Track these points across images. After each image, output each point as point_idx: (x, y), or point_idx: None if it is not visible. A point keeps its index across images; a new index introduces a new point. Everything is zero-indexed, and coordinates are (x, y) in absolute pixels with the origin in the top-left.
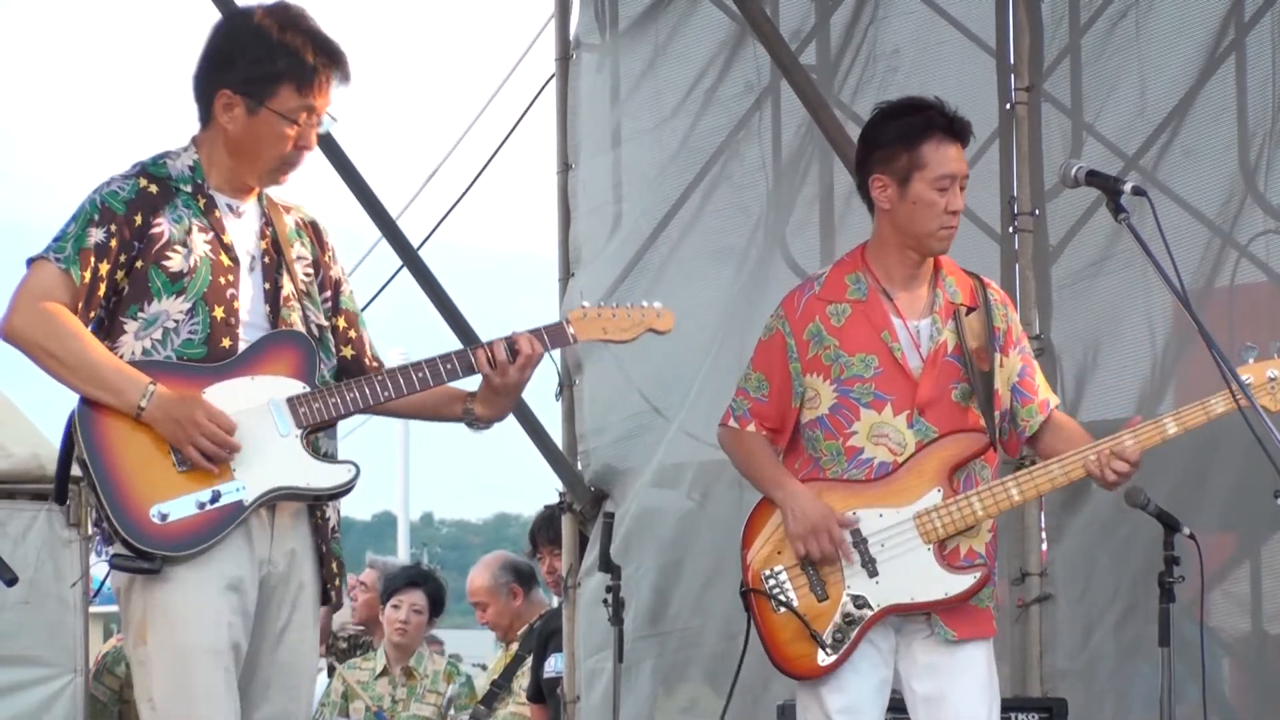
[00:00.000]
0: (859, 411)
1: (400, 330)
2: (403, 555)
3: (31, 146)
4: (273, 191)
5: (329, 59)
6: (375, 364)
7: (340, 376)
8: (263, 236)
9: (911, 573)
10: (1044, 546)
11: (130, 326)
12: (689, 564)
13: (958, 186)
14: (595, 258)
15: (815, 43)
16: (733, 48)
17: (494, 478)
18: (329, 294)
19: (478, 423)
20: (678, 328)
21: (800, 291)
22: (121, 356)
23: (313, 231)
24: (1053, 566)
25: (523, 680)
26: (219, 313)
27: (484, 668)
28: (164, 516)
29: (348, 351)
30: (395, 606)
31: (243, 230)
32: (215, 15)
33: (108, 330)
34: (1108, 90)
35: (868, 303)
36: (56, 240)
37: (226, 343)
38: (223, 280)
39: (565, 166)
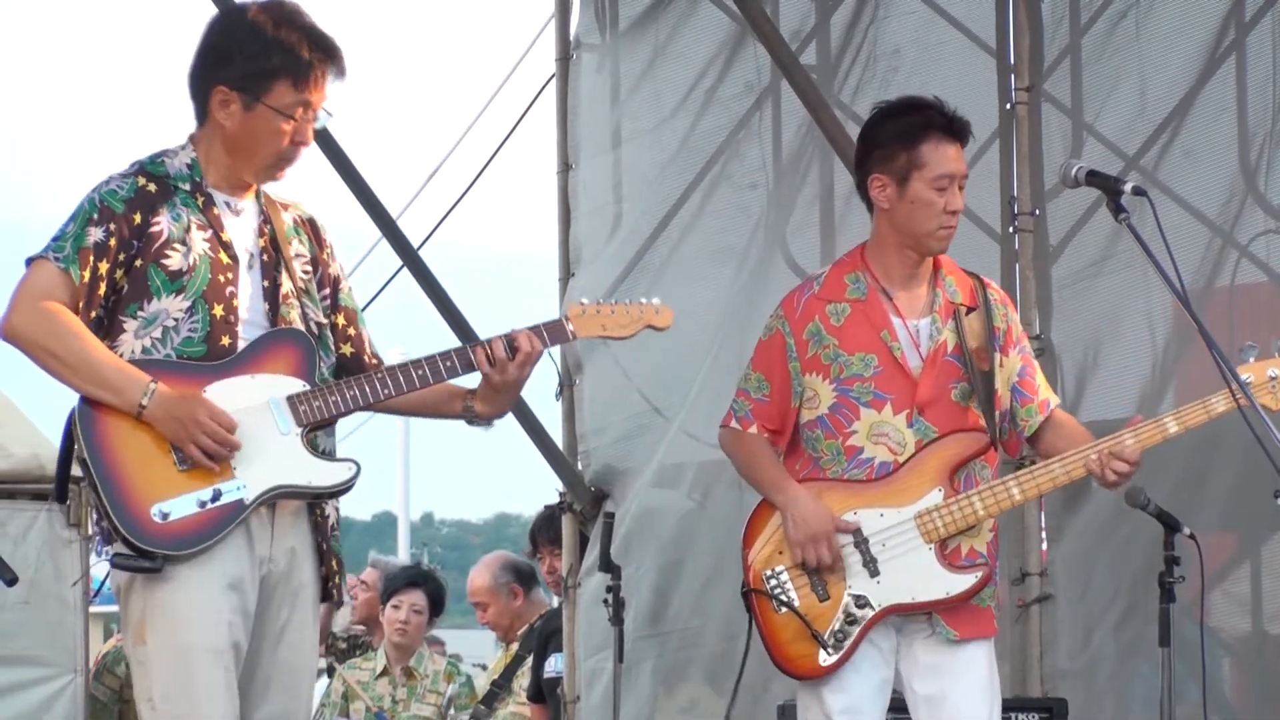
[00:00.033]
0: (859, 411)
1: (400, 330)
2: (403, 555)
3: (31, 146)
4: (270, 189)
5: (324, 54)
6: (374, 361)
7: (339, 374)
8: (261, 234)
9: (913, 572)
10: (1044, 546)
11: (130, 325)
12: (689, 564)
13: (957, 186)
14: (595, 258)
15: (815, 43)
16: (733, 48)
17: (494, 478)
18: (328, 291)
19: (478, 420)
20: (678, 328)
21: (800, 291)
22: (121, 355)
23: (310, 229)
24: (1053, 566)
25: (523, 680)
26: (218, 311)
27: (484, 668)
28: (165, 515)
29: (347, 349)
30: (395, 607)
31: (241, 228)
32: (215, 14)
33: (107, 329)
34: (1108, 90)
35: (867, 302)
36: (55, 240)
37: (226, 341)
38: (222, 278)
39: (565, 167)
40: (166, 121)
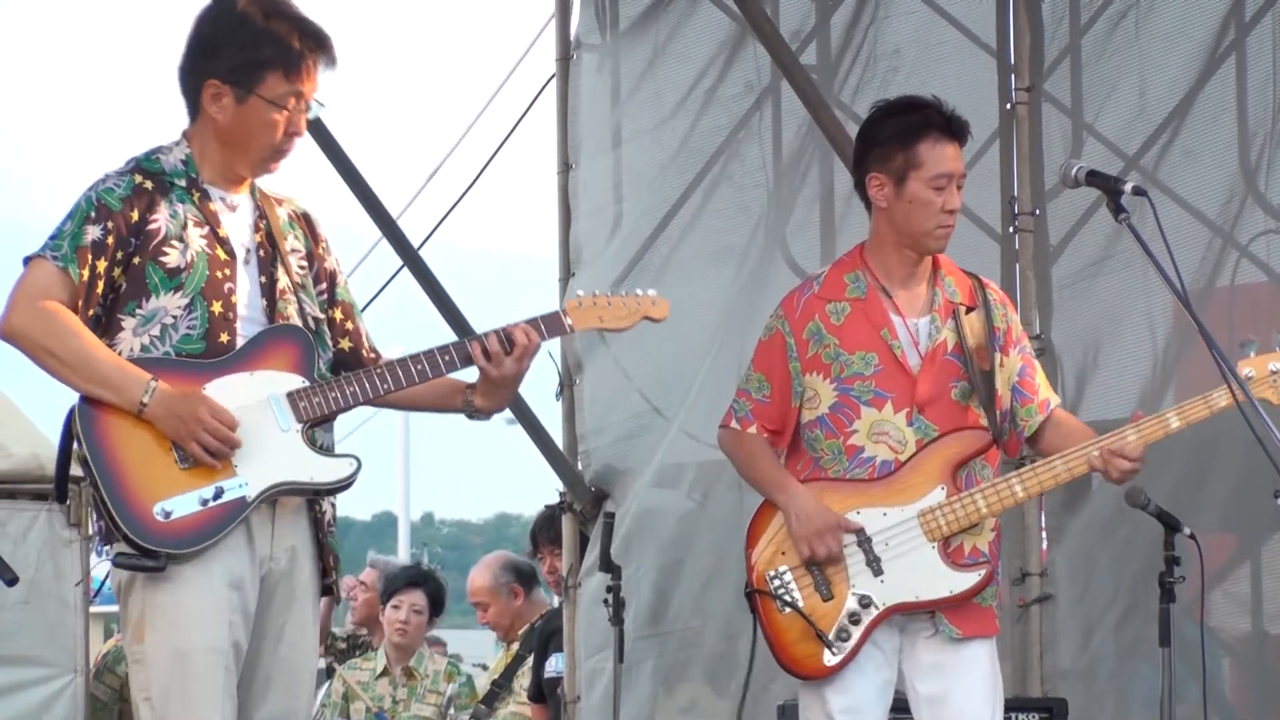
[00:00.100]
0: (859, 410)
1: (400, 330)
2: (403, 555)
3: (31, 146)
4: (264, 184)
5: (315, 43)
6: (373, 355)
7: (338, 369)
8: (257, 229)
9: (916, 571)
10: (1044, 546)
11: (128, 323)
12: (689, 564)
13: (954, 185)
14: (595, 258)
15: (815, 43)
16: (733, 48)
17: (494, 478)
18: (324, 286)
19: (478, 414)
20: (678, 328)
21: (799, 291)
22: (120, 353)
23: (305, 224)
24: (1053, 566)
25: (523, 680)
26: (217, 307)
27: (485, 668)
28: (168, 514)
29: (345, 343)
30: (395, 607)
31: (237, 223)
32: (203, 7)
33: (105, 327)
34: (1108, 90)
35: (867, 301)
36: (53, 238)
37: (225, 338)
38: (220, 274)
39: (565, 167)
40: (166, 122)
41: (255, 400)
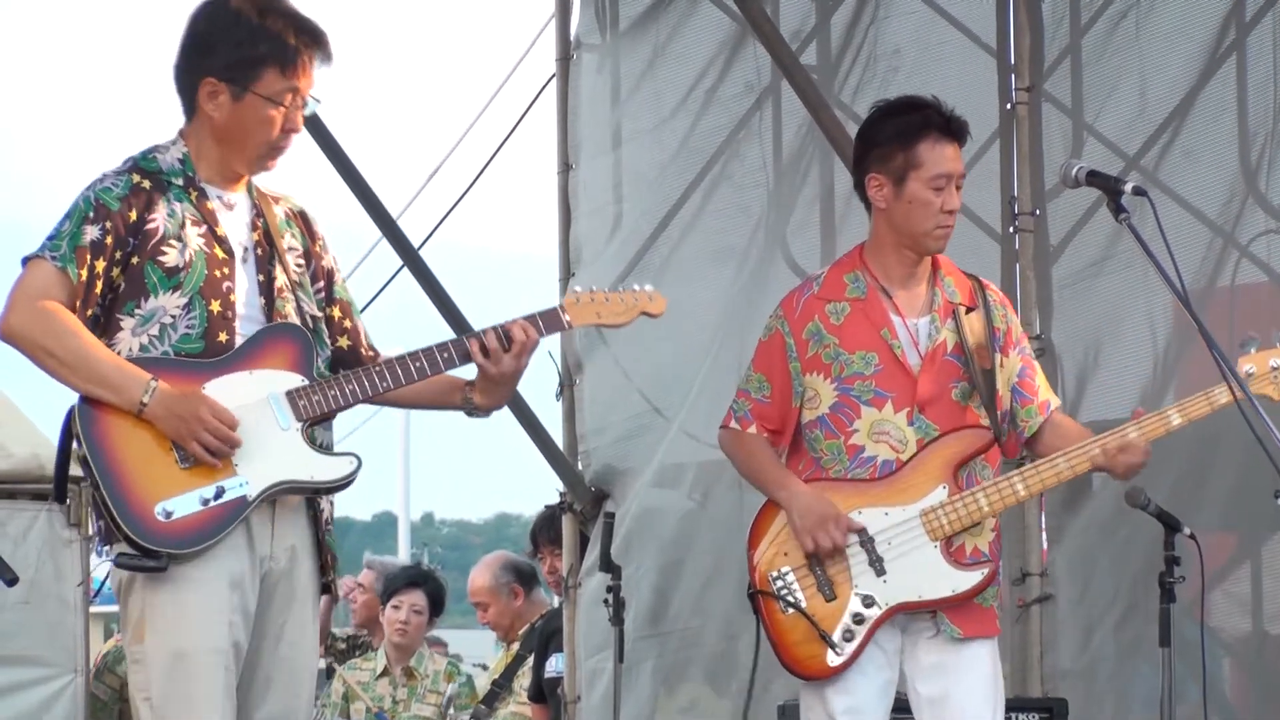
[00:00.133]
0: (860, 409)
1: (400, 330)
2: (403, 555)
3: (31, 146)
4: (261, 182)
5: (310, 39)
6: (371, 353)
7: (336, 367)
8: (254, 228)
9: (919, 570)
10: (1044, 546)
11: (127, 323)
12: (689, 564)
13: (954, 186)
14: (595, 258)
15: (816, 43)
16: (733, 48)
17: (494, 478)
18: (322, 284)
19: (477, 411)
20: (678, 328)
21: (799, 292)
22: (119, 353)
23: (302, 221)
24: (1053, 566)
25: (524, 680)
26: (215, 306)
27: (485, 668)
28: (169, 514)
29: (343, 341)
30: (395, 607)
31: (235, 222)
32: (198, 5)
33: (104, 327)
34: (1108, 90)
35: (867, 301)
36: (51, 238)
37: (223, 337)
38: (218, 273)
39: (565, 167)
40: (166, 121)
41: (255, 399)
